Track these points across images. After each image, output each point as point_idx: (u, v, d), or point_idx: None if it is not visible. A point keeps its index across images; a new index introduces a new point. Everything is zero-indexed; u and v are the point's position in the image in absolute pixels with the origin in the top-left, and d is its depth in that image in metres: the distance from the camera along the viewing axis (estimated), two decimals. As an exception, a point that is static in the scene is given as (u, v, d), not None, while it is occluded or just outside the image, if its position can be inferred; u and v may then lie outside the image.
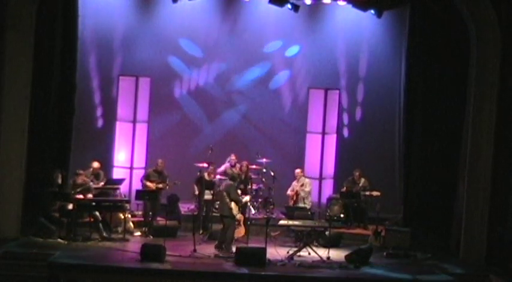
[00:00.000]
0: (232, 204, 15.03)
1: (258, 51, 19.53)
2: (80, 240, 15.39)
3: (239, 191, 15.51)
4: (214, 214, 16.70)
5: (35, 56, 15.68)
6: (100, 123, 19.11)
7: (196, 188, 17.18)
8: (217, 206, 16.70)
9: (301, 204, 17.43)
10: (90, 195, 15.96)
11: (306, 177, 17.97)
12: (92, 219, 15.75)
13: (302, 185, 17.64)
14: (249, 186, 17.39)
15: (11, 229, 15.35)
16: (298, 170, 17.96)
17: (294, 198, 17.59)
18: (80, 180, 16.01)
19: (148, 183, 16.87)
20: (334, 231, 16.19)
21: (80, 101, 17.70)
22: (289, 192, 17.75)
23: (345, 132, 19.67)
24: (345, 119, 19.70)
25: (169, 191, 16.96)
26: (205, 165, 17.35)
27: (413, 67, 17.49)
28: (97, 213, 15.77)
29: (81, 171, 16.24)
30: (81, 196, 15.81)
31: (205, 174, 17.17)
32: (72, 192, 15.90)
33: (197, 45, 19.45)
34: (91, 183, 16.28)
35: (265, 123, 19.74)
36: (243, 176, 17.08)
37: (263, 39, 19.48)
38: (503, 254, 15.26)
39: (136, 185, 17.51)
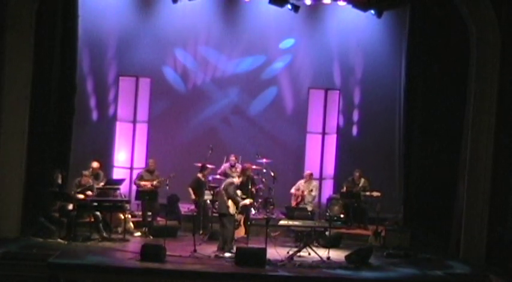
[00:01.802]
0: (230, 202, 15.01)
1: (258, 51, 19.53)
2: (80, 240, 15.38)
3: (239, 192, 15.48)
4: (214, 214, 16.67)
5: (35, 56, 15.69)
6: (100, 123, 19.11)
7: (191, 191, 17.13)
8: (216, 206, 16.73)
9: (303, 206, 17.40)
10: (89, 192, 15.99)
11: (314, 179, 17.98)
12: (93, 220, 15.74)
13: (311, 190, 17.61)
14: (250, 188, 17.31)
15: (11, 229, 15.36)
16: (308, 172, 17.93)
17: (299, 199, 17.56)
18: (84, 181, 16.02)
19: (144, 183, 16.89)
20: (334, 231, 16.18)
21: (79, 101, 17.73)
22: (293, 191, 17.70)
23: (345, 133, 19.64)
24: (345, 119, 19.69)
25: (170, 190, 16.92)
26: (199, 164, 17.33)
27: (413, 67, 17.49)
28: (98, 213, 15.77)
29: (86, 172, 16.26)
30: (82, 196, 15.82)
31: (200, 175, 17.14)
32: (73, 192, 15.93)
33: (197, 46, 19.45)
34: (94, 185, 16.32)
35: (265, 123, 19.73)
36: (244, 178, 17.01)
37: (263, 40, 19.47)
38: (503, 254, 15.25)
39: (136, 185, 17.55)
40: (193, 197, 17.02)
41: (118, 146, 18.55)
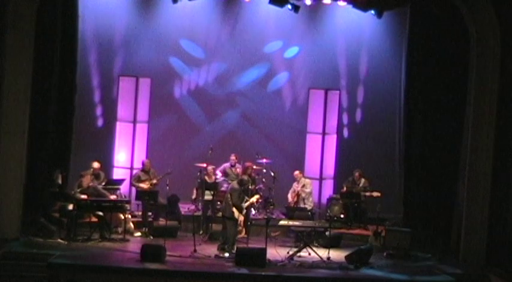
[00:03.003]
0: (234, 208, 15.03)
1: (258, 51, 19.52)
2: (80, 241, 15.38)
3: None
4: (217, 215, 16.67)
5: (35, 56, 15.68)
6: (100, 123, 19.11)
7: (195, 192, 17.14)
8: (218, 207, 16.72)
9: (302, 205, 17.40)
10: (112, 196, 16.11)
11: (305, 177, 17.98)
12: (96, 220, 15.72)
13: (303, 186, 17.64)
14: (251, 187, 17.30)
15: (11, 229, 15.33)
16: (297, 172, 17.92)
17: (295, 199, 17.59)
18: (85, 181, 15.97)
19: (142, 185, 16.89)
20: (334, 231, 16.17)
21: (80, 101, 17.75)
22: (289, 195, 17.73)
23: (345, 133, 19.65)
24: (345, 119, 19.68)
25: (170, 190, 16.93)
26: (204, 165, 17.35)
27: (413, 67, 17.50)
28: (101, 213, 15.74)
29: (86, 172, 16.22)
30: (84, 196, 15.81)
31: (206, 177, 17.16)
32: (73, 192, 15.91)
33: (197, 46, 19.45)
34: (98, 185, 16.30)
35: (266, 123, 19.72)
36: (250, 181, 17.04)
37: (263, 40, 19.47)
38: (503, 254, 15.26)
39: (137, 186, 17.56)
40: (193, 196, 17.02)
41: (118, 146, 18.56)
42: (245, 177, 15.80)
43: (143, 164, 17.26)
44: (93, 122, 19.04)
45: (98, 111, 19.11)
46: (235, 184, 15.40)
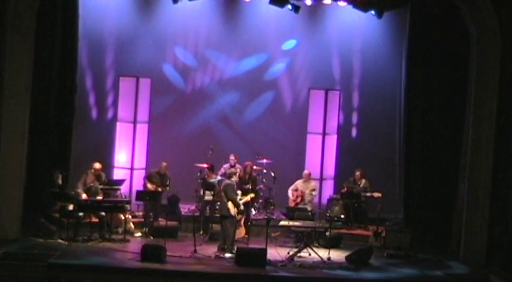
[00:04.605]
0: (230, 204, 15.00)
1: (258, 52, 19.52)
2: (80, 241, 15.38)
3: (239, 192, 15.48)
4: (216, 215, 16.68)
5: (35, 57, 15.69)
6: (100, 123, 19.09)
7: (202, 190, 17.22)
8: (217, 207, 16.73)
9: (302, 206, 17.39)
10: (99, 197, 15.99)
11: (313, 179, 17.99)
12: (96, 220, 15.72)
13: (313, 190, 17.63)
14: (249, 186, 17.30)
15: (12, 230, 15.36)
16: (307, 172, 17.95)
17: (298, 199, 17.58)
18: (89, 180, 15.96)
19: (149, 185, 16.88)
20: (334, 231, 16.18)
21: (80, 102, 17.74)
22: (290, 191, 17.70)
23: (346, 133, 19.63)
24: (346, 119, 19.68)
25: (170, 191, 16.94)
26: (205, 165, 17.36)
27: (413, 67, 17.48)
28: (103, 213, 15.74)
29: (91, 171, 16.22)
30: (85, 196, 15.80)
31: (206, 176, 17.19)
32: (76, 191, 15.90)
33: (197, 46, 19.44)
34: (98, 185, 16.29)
35: (266, 123, 19.71)
36: (247, 176, 17.01)
37: (264, 40, 19.46)
38: (503, 254, 15.26)
39: (137, 186, 17.53)
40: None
41: (118, 147, 18.55)
42: (232, 170, 15.82)
43: (160, 166, 17.16)
44: (93, 122, 19.03)
45: (98, 111, 19.10)
46: (227, 180, 15.43)
